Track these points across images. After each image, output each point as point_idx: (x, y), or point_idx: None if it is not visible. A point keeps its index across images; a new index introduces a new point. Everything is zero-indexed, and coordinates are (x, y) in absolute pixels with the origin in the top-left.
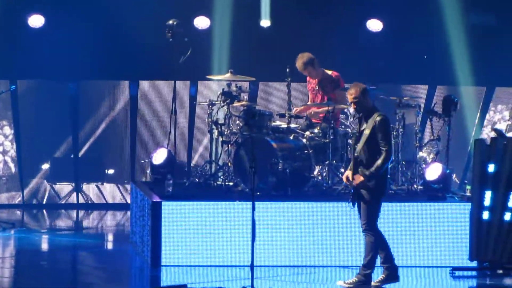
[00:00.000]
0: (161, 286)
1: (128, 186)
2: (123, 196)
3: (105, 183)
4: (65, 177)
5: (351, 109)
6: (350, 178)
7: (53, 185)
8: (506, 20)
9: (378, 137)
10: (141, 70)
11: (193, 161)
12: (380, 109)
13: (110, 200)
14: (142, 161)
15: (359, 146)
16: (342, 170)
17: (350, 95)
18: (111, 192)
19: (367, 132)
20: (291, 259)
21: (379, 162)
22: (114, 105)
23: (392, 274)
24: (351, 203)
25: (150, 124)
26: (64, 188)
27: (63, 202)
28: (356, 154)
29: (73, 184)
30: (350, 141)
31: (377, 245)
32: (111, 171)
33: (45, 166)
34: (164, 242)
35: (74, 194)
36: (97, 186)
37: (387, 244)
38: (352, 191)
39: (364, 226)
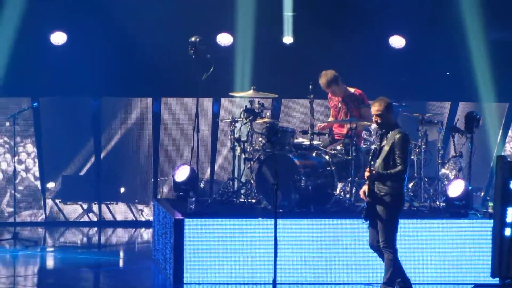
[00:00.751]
0: None
1: (139, 205)
2: (133, 214)
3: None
4: (77, 196)
5: (373, 125)
6: (366, 194)
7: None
8: None
9: (395, 154)
10: (163, 87)
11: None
12: (401, 127)
13: (118, 218)
14: (161, 178)
15: (378, 161)
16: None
17: (374, 108)
18: (120, 210)
19: (386, 148)
20: (314, 276)
21: (392, 171)
22: (137, 122)
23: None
24: (363, 219)
25: (173, 141)
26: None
27: (81, 220)
28: (373, 170)
29: (87, 204)
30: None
31: (396, 261)
32: (122, 190)
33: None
34: (186, 260)
35: (91, 212)
36: (106, 205)
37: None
38: (366, 206)
39: (382, 243)
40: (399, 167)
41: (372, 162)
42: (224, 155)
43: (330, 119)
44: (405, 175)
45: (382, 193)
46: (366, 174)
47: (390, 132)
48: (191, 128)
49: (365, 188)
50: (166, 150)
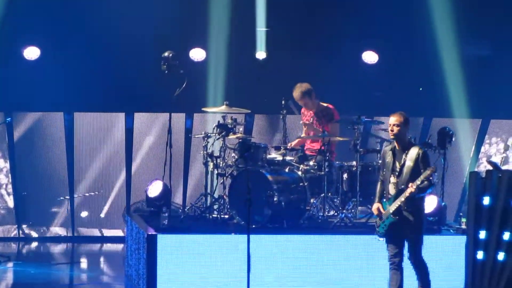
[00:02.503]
0: None
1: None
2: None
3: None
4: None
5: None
6: (382, 210)
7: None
8: (501, 51)
9: (421, 169)
10: (136, 102)
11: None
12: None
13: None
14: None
15: (404, 178)
16: (336, 201)
17: (394, 118)
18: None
19: (410, 164)
20: None
21: (427, 183)
22: (109, 136)
23: None
24: (381, 236)
25: (145, 157)
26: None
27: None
28: (402, 187)
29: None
30: (345, 174)
31: (427, 272)
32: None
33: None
34: (159, 275)
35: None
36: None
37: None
38: (389, 224)
39: (415, 259)
40: (427, 183)
41: (397, 179)
42: (196, 170)
43: (302, 135)
44: (432, 188)
45: (409, 210)
46: (410, 190)
47: (411, 148)
48: (163, 144)
49: (378, 205)
50: (139, 165)
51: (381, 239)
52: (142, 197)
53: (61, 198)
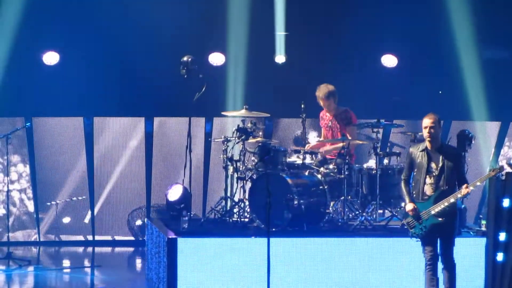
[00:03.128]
0: None
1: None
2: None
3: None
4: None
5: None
6: (414, 210)
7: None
8: None
9: (459, 171)
10: (156, 106)
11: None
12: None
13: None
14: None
15: (444, 179)
16: (355, 204)
17: (430, 120)
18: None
19: (450, 165)
20: None
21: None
22: (129, 141)
23: None
24: (414, 237)
25: (165, 161)
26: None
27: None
28: (446, 188)
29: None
30: (365, 177)
31: (455, 274)
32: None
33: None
34: (180, 278)
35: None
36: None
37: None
38: (432, 223)
39: (447, 259)
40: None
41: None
42: (216, 174)
43: (321, 139)
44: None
45: (451, 211)
46: (467, 191)
47: (448, 149)
48: (183, 148)
49: (412, 205)
50: (159, 169)
51: (418, 240)
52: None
53: (77, 198)
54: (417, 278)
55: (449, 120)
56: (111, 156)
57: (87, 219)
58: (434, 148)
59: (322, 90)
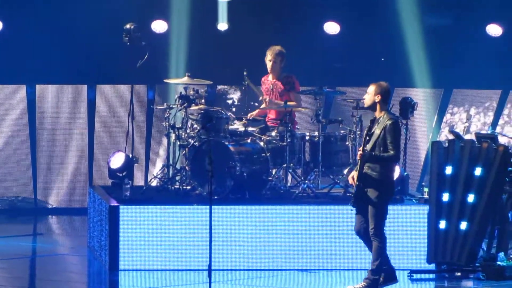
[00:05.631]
0: None
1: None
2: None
3: None
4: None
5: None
6: (355, 179)
7: None
8: (463, 21)
9: (387, 140)
10: (98, 74)
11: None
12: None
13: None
14: None
15: (369, 145)
16: (298, 171)
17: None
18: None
19: (377, 132)
20: (249, 262)
21: (385, 154)
22: (71, 109)
23: (390, 275)
24: (351, 205)
25: (107, 129)
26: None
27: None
28: (365, 149)
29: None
30: (307, 145)
31: (384, 249)
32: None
33: None
34: (122, 247)
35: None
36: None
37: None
38: (356, 190)
39: (372, 231)
40: (391, 152)
41: (365, 145)
42: (158, 141)
43: (263, 106)
44: (396, 161)
45: (372, 177)
46: (359, 154)
47: (382, 117)
48: (126, 115)
49: (353, 174)
50: (101, 137)
51: (352, 209)
52: (104, 169)
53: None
54: (359, 245)
55: (392, 87)
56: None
57: None
58: (377, 118)
59: (274, 48)
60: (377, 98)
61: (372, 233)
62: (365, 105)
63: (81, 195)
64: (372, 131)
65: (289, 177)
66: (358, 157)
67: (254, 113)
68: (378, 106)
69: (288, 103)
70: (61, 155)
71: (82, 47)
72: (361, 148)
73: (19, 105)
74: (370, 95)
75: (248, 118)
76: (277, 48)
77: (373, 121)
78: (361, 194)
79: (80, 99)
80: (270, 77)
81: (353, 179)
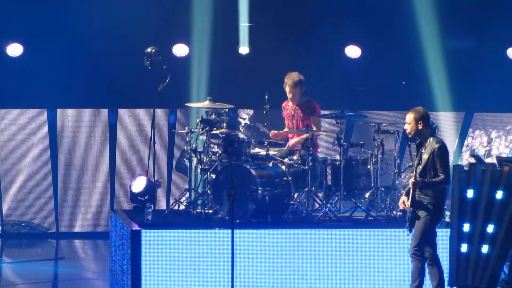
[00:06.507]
0: None
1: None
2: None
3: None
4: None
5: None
6: (406, 204)
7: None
8: (483, 44)
9: (436, 163)
10: (120, 98)
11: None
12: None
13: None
14: None
15: (418, 171)
16: (320, 195)
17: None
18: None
19: (425, 157)
20: (271, 285)
21: (436, 179)
22: (93, 133)
23: None
24: (407, 230)
25: (129, 153)
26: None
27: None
28: (417, 176)
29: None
30: (329, 168)
31: (424, 270)
32: None
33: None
34: (144, 271)
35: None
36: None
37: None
38: (411, 216)
39: (414, 250)
40: (442, 176)
41: (415, 171)
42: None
43: (285, 130)
44: (447, 184)
45: (424, 203)
46: (411, 181)
47: (429, 141)
48: (147, 139)
49: (404, 198)
50: (123, 161)
51: (409, 234)
52: (126, 193)
53: None
54: (381, 269)
55: None
56: (73, 147)
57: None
58: (421, 142)
59: (292, 77)
60: (420, 126)
61: (413, 252)
62: (410, 136)
63: (103, 219)
64: (420, 155)
65: (311, 201)
66: (410, 185)
67: (275, 132)
68: (423, 133)
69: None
70: (82, 179)
71: (103, 71)
72: (413, 175)
73: (41, 129)
74: (411, 124)
75: (271, 141)
76: (295, 77)
77: (419, 145)
78: (415, 218)
79: (102, 123)
80: (290, 102)
81: (404, 203)
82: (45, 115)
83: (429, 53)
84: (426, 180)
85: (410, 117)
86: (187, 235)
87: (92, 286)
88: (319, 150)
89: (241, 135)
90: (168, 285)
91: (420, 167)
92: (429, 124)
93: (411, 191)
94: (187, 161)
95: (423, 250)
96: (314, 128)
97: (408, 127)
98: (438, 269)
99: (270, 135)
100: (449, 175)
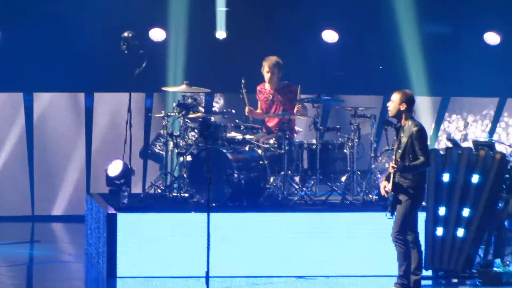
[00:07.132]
0: None
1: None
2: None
3: None
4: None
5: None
6: (388, 188)
7: None
8: (461, 29)
9: (416, 146)
10: (96, 82)
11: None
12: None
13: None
14: None
15: (398, 155)
16: (296, 179)
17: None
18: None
19: (404, 140)
20: (247, 269)
21: (417, 163)
22: (69, 117)
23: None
24: (389, 213)
25: (105, 136)
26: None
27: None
28: (398, 160)
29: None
30: (305, 152)
31: (410, 254)
32: None
33: None
34: (119, 254)
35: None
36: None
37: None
38: (392, 200)
39: (396, 234)
40: (422, 159)
41: (395, 155)
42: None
43: (258, 111)
44: (427, 167)
45: (404, 186)
46: (392, 165)
47: (407, 124)
48: (123, 123)
49: (384, 183)
50: (99, 144)
51: (390, 217)
52: (102, 176)
53: None
54: (357, 253)
55: (389, 95)
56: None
57: None
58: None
59: (270, 59)
60: (403, 107)
61: (395, 236)
62: (390, 114)
63: (79, 202)
64: (400, 138)
65: (287, 184)
66: (390, 169)
67: (251, 108)
68: (403, 115)
69: (296, 110)
70: (59, 162)
71: (80, 55)
72: (393, 158)
73: (17, 113)
74: (395, 103)
75: (248, 126)
76: (274, 59)
77: (399, 129)
78: (397, 202)
79: (78, 107)
80: (267, 86)
81: (384, 189)
82: (21, 98)
83: (406, 38)
84: (406, 164)
85: (396, 96)
86: (163, 218)
87: (67, 269)
88: (295, 134)
89: (217, 119)
90: (143, 268)
91: (400, 151)
92: (412, 108)
93: (391, 176)
94: (159, 146)
95: (406, 234)
96: (298, 112)
97: (391, 105)
98: (418, 253)
99: (246, 110)
100: (429, 157)
